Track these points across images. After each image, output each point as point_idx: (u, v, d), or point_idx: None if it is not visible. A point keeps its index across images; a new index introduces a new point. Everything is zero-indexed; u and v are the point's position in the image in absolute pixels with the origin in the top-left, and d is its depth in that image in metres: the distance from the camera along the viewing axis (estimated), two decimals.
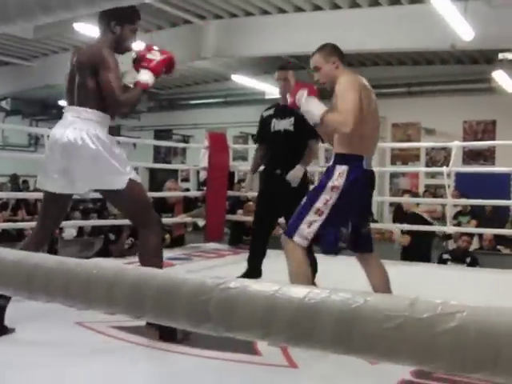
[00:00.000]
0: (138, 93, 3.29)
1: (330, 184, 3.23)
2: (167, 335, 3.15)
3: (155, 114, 15.32)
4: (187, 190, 10.92)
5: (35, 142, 16.98)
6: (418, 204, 8.72)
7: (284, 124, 4.72)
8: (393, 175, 13.12)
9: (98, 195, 3.72)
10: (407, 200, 10.59)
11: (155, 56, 3.32)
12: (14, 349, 3.02)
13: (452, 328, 0.60)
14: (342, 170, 3.24)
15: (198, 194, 8.13)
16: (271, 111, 4.90)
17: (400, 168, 12.91)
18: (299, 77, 13.52)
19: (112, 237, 6.81)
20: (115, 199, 3.35)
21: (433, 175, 11.98)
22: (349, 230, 3.34)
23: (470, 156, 12.11)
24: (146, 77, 3.27)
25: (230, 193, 7.54)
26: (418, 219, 7.54)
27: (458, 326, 0.60)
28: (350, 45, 9.88)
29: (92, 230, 9.27)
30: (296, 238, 3.23)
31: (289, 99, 3.42)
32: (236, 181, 10.39)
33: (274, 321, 0.68)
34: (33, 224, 7.63)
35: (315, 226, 3.20)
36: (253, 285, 0.71)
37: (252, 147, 13.10)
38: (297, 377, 2.78)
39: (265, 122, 4.91)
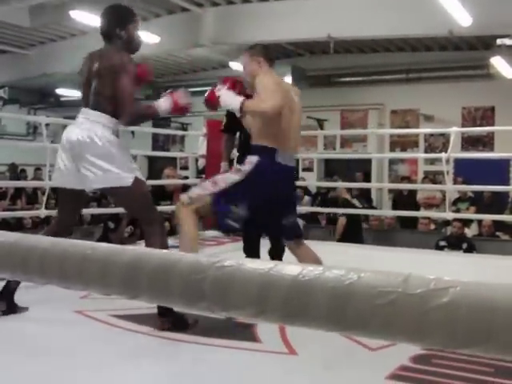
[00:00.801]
0: (148, 113, 3.50)
1: (236, 167, 3.37)
2: (179, 324, 3.17)
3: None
4: (186, 177, 10.91)
5: (33, 130, 16.91)
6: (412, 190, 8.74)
7: None
8: (392, 162, 13.10)
9: None
10: (405, 186, 10.63)
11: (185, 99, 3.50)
12: (12, 337, 3.03)
13: (445, 303, 0.60)
14: (251, 159, 3.31)
15: (196, 181, 8.12)
16: None
17: (399, 154, 12.89)
18: (298, 64, 13.38)
19: (111, 225, 6.82)
20: (120, 197, 3.43)
21: (432, 162, 11.96)
22: (241, 213, 3.29)
23: (469, 142, 12.09)
24: (165, 106, 3.40)
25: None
26: (348, 206, 8.15)
27: (451, 302, 0.60)
28: (348, 31, 9.87)
29: (91, 218, 9.27)
30: (183, 197, 3.34)
31: (206, 95, 3.51)
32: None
33: (268, 298, 0.68)
34: (32, 213, 7.64)
35: (204, 193, 3.28)
36: (247, 263, 0.71)
37: None
38: (297, 364, 2.79)
39: (235, 114, 5.05)
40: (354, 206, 8.52)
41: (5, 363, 2.63)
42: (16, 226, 8.38)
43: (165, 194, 7.28)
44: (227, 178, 3.29)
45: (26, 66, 13.08)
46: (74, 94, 14.21)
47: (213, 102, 3.44)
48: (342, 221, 8.08)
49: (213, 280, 0.72)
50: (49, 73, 12.77)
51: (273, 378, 2.59)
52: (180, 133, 13.55)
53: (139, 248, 0.86)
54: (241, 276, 0.70)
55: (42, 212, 5.71)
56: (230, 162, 5.56)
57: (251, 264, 0.71)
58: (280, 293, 0.68)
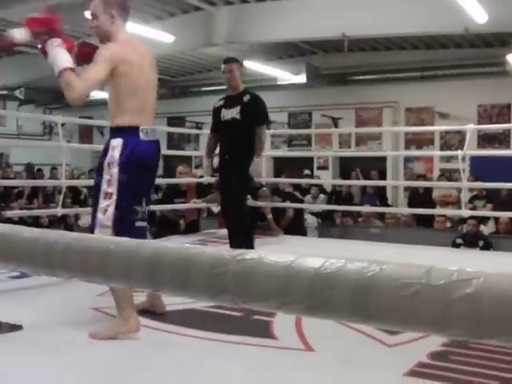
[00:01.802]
0: None
1: (105, 162, 3.06)
2: None
3: (168, 102, 15.30)
4: (201, 176, 10.92)
5: (49, 130, 17.04)
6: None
7: (232, 113, 5.03)
8: (407, 160, 13.03)
9: None
10: (422, 184, 10.58)
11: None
12: (30, 335, 3.05)
13: (468, 294, 0.60)
14: (116, 143, 3.06)
15: (211, 180, 8.13)
16: (222, 102, 5.24)
17: (414, 152, 12.82)
18: (312, 62, 13.35)
19: None
20: None
21: (447, 159, 11.87)
22: (144, 208, 3.14)
23: (485, 139, 12.00)
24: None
25: None
26: (290, 197, 8.40)
27: (474, 293, 0.60)
28: (362, 29, 9.84)
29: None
30: (97, 231, 3.03)
31: (40, 45, 3.02)
32: None
33: (290, 291, 0.69)
34: (48, 211, 7.69)
35: (110, 211, 3.01)
36: (269, 256, 0.72)
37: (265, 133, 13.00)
38: (314, 360, 2.79)
39: (216, 112, 5.24)
40: (298, 199, 8.68)
41: (22, 362, 2.66)
42: (33, 224, 8.44)
43: (179, 192, 7.30)
44: (111, 179, 3.03)
45: (42, 66, 13.05)
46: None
47: (43, 53, 3.02)
48: (290, 213, 8.11)
49: (234, 273, 0.72)
50: None
51: (289, 375, 2.59)
52: (194, 131, 13.56)
53: (161, 242, 0.86)
54: (263, 269, 0.71)
55: (59, 211, 5.75)
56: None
57: (272, 257, 0.72)
58: (302, 285, 0.68)
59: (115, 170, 3.03)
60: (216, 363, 2.68)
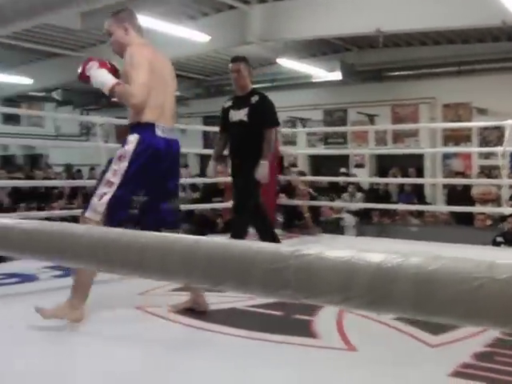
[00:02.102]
0: None
1: (118, 154, 3.18)
2: None
3: (204, 101, 15.39)
4: None
5: (87, 131, 17.28)
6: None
7: (240, 115, 4.91)
8: (445, 156, 12.88)
9: None
10: (460, 182, 10.43)
11: None
12: (76, 333, 3.11)
13: None
14: (132, 138, 3.18)
15: None
16: (230, 103, 5.11)
17: (452, 149, 12.65)
18: (346, 59, 13.25)
19: None
20: None
21: (486, 156, 11.71)
22: (140, 198, 3.20)
23: None
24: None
25: (281, 177, 7.55)
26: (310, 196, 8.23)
27: None
28: (397, 24, 9.76)
29: None
30: (88, 213, 3.14)
31: (79, 71, 3.29)
32: (286, 165, 10.38)
33: (353, 286, 0.69)
34: None
35: (106, 198, 3.10)
36: (327, 251, 0.72)
37: (301, 131, 13.03)
38: (356, 360, 2.75)
39: (225, 113, 5.11)
40: (313, 196, 8.59)
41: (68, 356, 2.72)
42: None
43: (216, 191, 7.34)
44: (117, 171, 3.14)
45: (78, 68, 13.30)
46: None
47: (84, 80, 3.29)
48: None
49: (296, 268, 0.73)
50: None
51: (333, 374, 2.58)
52: None
53: (220, 239, 0.88)
54: (324, 264, 0.71)
55: None
56: (219, 161, 5.45)
57: (331, 252, 0.72)
58: (364, 280, 0.69)
59: (125, 164, 3.15)
60: (258, 362, 2.69)
